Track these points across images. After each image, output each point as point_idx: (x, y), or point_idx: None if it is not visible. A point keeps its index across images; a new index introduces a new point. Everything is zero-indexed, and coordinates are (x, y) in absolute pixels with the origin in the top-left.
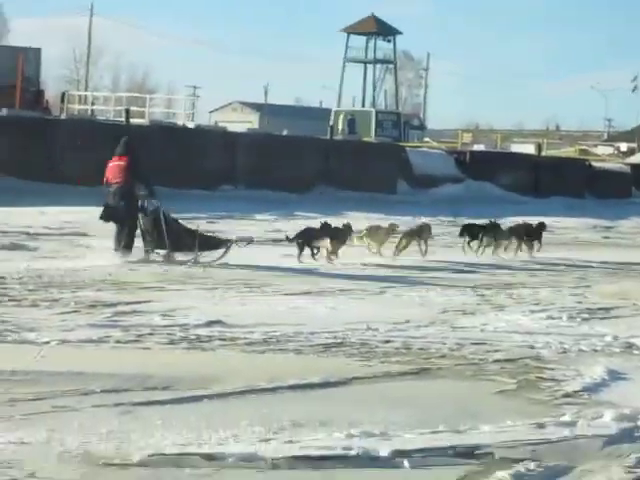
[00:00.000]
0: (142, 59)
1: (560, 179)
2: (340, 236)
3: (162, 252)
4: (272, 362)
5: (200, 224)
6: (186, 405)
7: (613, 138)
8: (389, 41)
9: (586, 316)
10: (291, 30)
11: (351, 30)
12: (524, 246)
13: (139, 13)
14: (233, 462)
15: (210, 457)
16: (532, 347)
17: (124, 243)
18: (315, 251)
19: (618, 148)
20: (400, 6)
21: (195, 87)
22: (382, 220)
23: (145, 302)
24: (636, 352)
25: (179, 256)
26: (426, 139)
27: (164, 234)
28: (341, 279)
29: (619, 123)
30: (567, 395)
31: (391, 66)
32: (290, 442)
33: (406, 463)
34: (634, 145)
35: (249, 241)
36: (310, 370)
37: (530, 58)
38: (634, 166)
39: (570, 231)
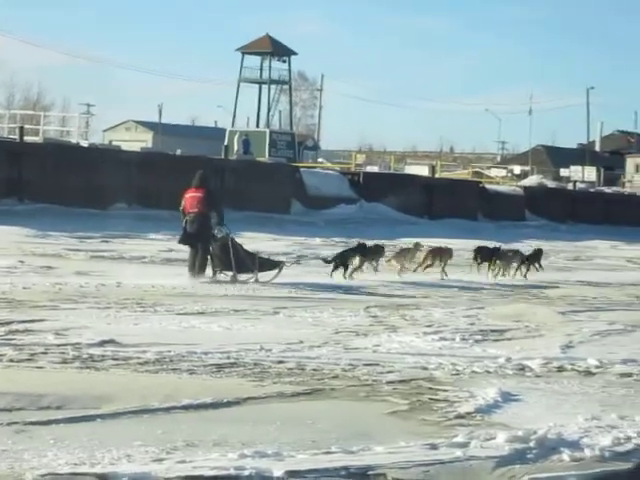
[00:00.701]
0: (36, 77)
1: (454, 201)
2: (369, 254)
3: (229, 273)
4: (165, 382)
5: (93, 243)
6: (79, 424)
7: (507, 161)
8: (284, 61)
9: (479, 338)
10: (187, 49)
11: (246, 50)
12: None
13: (34, 30)
14: None
15: (103, 477)
16: (425, 368)
17: (198, 265)
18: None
19: (511, 171)
20: (295, 27)
21: (89, 105)
22: (276, 240)
23: (39, 321)
24: (529, 374)
25: (242, 277)
26: (320, 160)
27: (231, 258)
28: (235, 299)
29: (513, 146)
30: (460, 416)
31: (286, 86)
32: (183, 462)
33: None
34: (527, 168)
35: (297, 261)
36: (203, 390)
37: (424, 80)
38: (527, 189)
39: (464, 253)
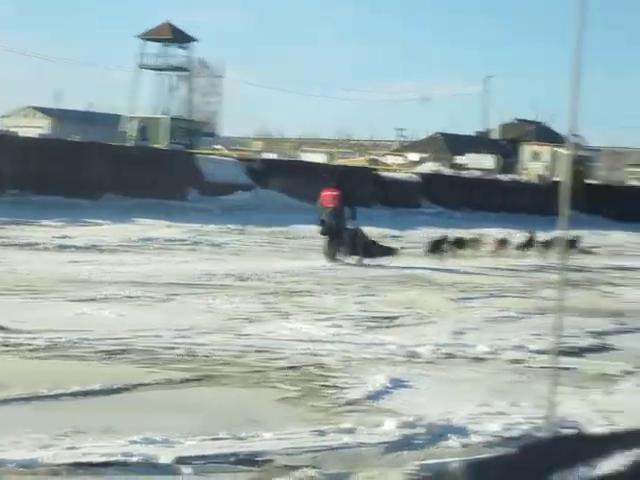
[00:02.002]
0: None
1: (350, 188)
2: (463, 244)
3: (356, 257)
4: (55, 369)
5: None
6: None
7: (404, 148)
8: (184, 48)
9: (370, 324)
10: (87, 35)
11: (146, 36)
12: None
13: None
14: (13, 468)
15: None
16: (316, 355)
17: (332, 251)
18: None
19: (408, 158)
20: (196, 14)
21: None
22: (171, 227)
23: None
24: (419, 360)
25: (367, 261)
26: (218, 147)
27: (358, 245)
28: (127, 286)
29: (411, 133)
30: (349, 403)
31: (185, 73)
32: (72, 449)
33: (187, 470)
34: (425, 155)
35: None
36: (93, 377)
37: (322, 68)
38: (424, 176)
39: None
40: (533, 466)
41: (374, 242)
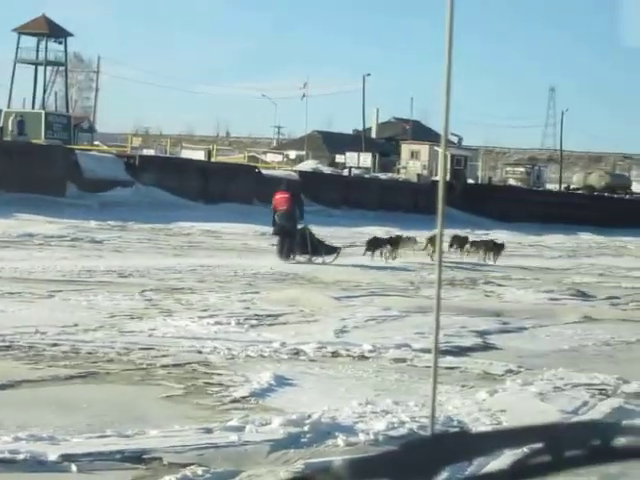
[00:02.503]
0: None
1: (229, 185)
2: (398, 242)
3: (305, 256)
4: None
5: None
6: None
7: (283, 146)
8: (60, 43)
9: (254, 322)
10: None
11: (22, 30)
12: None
13: None
14: None
15: None
16: (200, 352)
17: (286, 251)
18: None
19: (287, 155)
20: (72, 8)
21: None
22: (51, 223)
23: None
24: (303, 358)
25: (316, 259)
26: (96, 142)
27: (308, 244)
28: (8, 282)
29: (289, 131)
30: (235, 400)
31: (62, 68)
32: None
33: (74, 467)
34: (303, 153)
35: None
36: None
37: (201, 64)
38: (302, 174)
39: (239, 237)
40: (415, 463)
41: (320, 241)
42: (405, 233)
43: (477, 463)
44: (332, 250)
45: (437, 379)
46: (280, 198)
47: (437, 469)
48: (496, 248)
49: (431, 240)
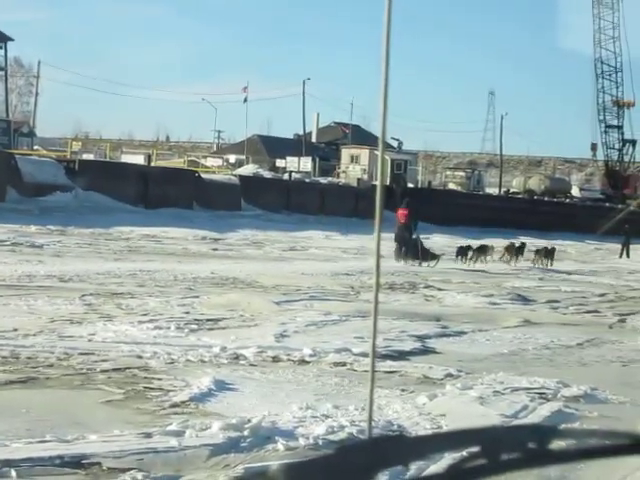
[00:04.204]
0: None
1: (169, 190)
2: (482, 250)
3: (416, 260)
4: None
5: None
6: None
7: (223, 150)
8: (0, 47)
9: (194, 327)
10: None
11: None
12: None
13: None
14: None
15: None
16: (140, 357)
17: (402, 255)
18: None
19: (227, 160)
20: (11, 12)
21: None
22: None
23: None
24: (243, 362)
25: (424, 264)
26: (36, 147)
27: (419, 251)
28: None
29: (229, 135)
30: (175, 405)
31: (2, 73)
32: None
33: (13, 473)
34: (243, 157)
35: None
36: None
37: (141, 68)
38: (243, 178)
39: (179, 242)
40: (352, 467)
41: (427, 250)
42: (347, 237)
43: (416, 467)
44: (435, 257)
45: (376, 383)
46: (401, 213)
47: (373, 473)
48: (550, 253)
49: (507, 249)
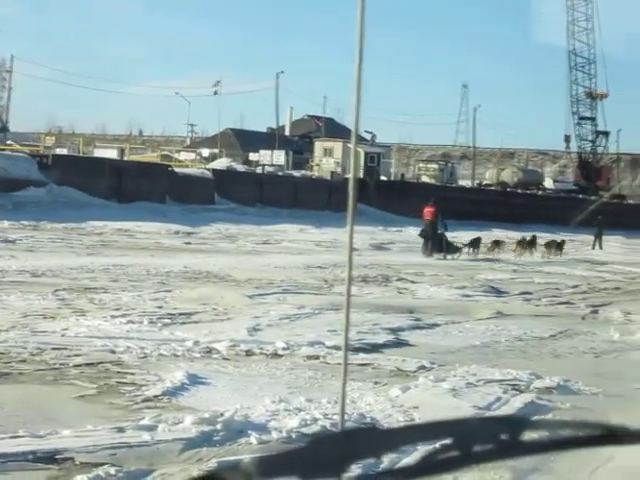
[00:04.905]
0: None
1: (143, 184)
2: (498, 243)
3: (441, 254)
4: None
5: None
6: None
7: (196, 144)
8: None
9: (167, 321)
10: None
11: None
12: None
13: None
14: None
15: None
16: (113, 352)
17: (429, 249)
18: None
19: (200, 154)
20: None
21: None
22: None
23: None
24: (216, 356)
25: (449, 256)
26: (9, 142)
27: (443, 245)
28: None
29: (202, 129)
30: (148, 399)
31: None
32: None
33: None
34: (216, 151)
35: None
36: None
37: (113, 62)
38: (216, 172)
39: (152, 236)
40: (324, 460)
41: (451, 243)
42: (321, 230)
43: (389, 459)
44: (457, 249)
45: (349, 376)
46: (427, 211)
47: (346, 465)
48: (559, 246)
49: (520, 243)
